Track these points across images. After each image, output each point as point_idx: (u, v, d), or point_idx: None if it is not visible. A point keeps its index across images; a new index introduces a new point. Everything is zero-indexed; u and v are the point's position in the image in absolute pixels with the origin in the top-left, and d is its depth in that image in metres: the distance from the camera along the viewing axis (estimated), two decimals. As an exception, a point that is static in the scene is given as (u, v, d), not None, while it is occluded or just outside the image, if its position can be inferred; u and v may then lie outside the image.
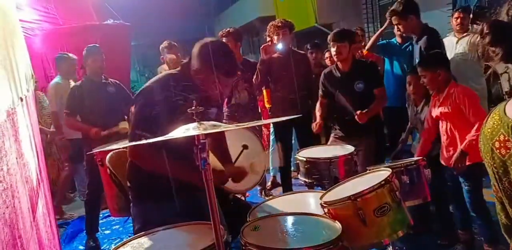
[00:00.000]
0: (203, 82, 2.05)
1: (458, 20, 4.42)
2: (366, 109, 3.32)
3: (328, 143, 3.70)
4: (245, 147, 2.40)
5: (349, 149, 3.04)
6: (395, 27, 3.85)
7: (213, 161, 2.35)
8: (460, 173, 2.86)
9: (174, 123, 1.65)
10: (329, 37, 3.47)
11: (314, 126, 3.58)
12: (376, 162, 3.26)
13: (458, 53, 4.26)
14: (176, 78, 2.08)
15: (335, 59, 3.48)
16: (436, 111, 2.94)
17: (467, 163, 2.79)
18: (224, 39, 4.21)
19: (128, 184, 2.18)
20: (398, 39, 4.28)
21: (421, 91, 3.20)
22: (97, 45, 3.95)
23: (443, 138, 2.97)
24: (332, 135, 3.68)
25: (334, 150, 3.12)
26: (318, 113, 3.68)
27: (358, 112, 3.28)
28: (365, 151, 3.40)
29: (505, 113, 1.12)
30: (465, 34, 4.37)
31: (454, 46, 4.36)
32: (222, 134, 2.41)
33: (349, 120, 3.42)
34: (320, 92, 3.72)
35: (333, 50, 3.41)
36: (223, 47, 2.09)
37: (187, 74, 2.08)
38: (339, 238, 1.69)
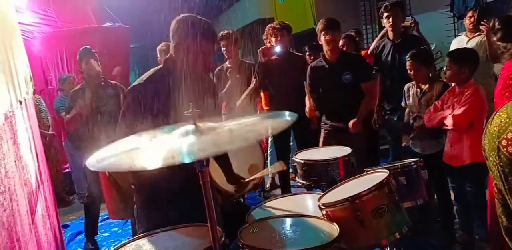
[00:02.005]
0: (187, 57, 2.05)
1: (472, 20, 4.42)
2: (356, 117, 3.39)
3: (320, 139, 3.70)
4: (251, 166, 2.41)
5: (346, 150, 3.04)
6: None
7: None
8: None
9: (168, 118, 1.65)
10: (319, 26, 3.48)
11: (307, 111, 3.53)
12: (369, 157, 3.25)
13: None
14: (162, 72, 2.08)
15: (329, 47, 3.50)
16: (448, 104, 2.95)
17: (467, 162, 2.80)
18: (222, 42, 4.24)
19: (132, 187, 2.17)
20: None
21: (422, 76, 3.21)
22: (88, 46, 3.90)
23: (449, 135, 2.98)
24: (322, 130, 3.68)
25: (331, 151, 3.12)
26: (308, 101, 3.67)
27: (351, 123, 3.36)
28: (356, 145, 3.30)
29: None
30: (476, 34, 4.37)
31: (464, 46, 4.36)
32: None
33: (338, 113, 3.44)
34: (307, 88, 3.70)
35: (326, 38, 3.44)
36: (195, 17, 2.11)
37: (172, 65, 2.09)
38: (336, 239, 1.70)
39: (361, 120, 3.38)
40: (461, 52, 3.15)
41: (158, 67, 2.15)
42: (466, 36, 4.49)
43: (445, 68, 2.98)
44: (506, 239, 1.26)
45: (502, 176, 1.13)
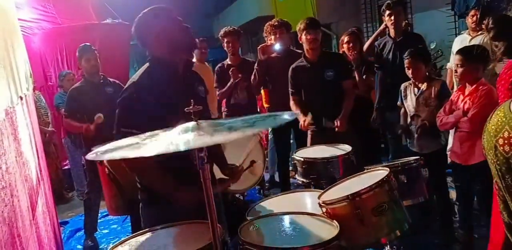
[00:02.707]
0: (171, 41, 2.02)
1: (474, 18, 4.41)
2: (340, 116, 3.38)
3: (308, 139, 3.68)
4: (253, 162, 2.35)
5: (347, 148, 3.04)
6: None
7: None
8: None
9: (162, 117, 1.65)
10: (300, 26, 3.52)
11: (302, 124, 3.46)
12: (368, 155, 3.22)
13: None
14: (151, 71, 2.06)
15: (311, 46, 3.51)
16: (459, 104, 2.93)
17: (480, 159, 2.78)
18: (226, 38, 4.26)
19: (138, 186, 2.13)
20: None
21: (421, 75, 3.20)
22: (88, 43, 3.88)
23: (458, 133, 2.95)
24: (308, 130, 3.65)
25: (331, 149, 3.12)
26: (298, 111, 3.58)
27: (338, 123, 3.34)
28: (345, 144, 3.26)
29: (510, 110, 1.10)
30: (479, 33, 4.36)
31: (467, 44, 4.35)
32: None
33: (322, 112, 3.44)
34: (290, 89, 3.68)
35: (308, 37, 3.46)
36: (148, 9, 2.10)
37: (157, 61, 2.07)
38: (336, 237, 1.70)
39: (346, 119, 3.38)
40: (474, 50, 3.12)
41: (146, 66, 2.10)
42: (469, 34, 4.49)
43: (454, 66, 2.95)
44: (508, 234, 1.26)
45: (499, 174, 1.14)
